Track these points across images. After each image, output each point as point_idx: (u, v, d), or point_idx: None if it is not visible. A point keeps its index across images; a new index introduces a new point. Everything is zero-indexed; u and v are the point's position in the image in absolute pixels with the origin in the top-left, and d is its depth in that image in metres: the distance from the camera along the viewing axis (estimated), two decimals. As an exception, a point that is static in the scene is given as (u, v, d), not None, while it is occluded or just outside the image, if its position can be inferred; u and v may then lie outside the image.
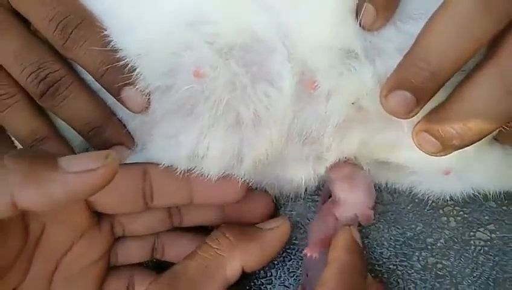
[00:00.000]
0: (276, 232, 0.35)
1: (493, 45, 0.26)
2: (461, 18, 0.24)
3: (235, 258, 0.32)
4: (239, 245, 0.33)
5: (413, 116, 0.28)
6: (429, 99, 0.27)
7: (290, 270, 0.39)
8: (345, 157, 0.35)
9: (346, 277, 0.31)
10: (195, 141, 0.33)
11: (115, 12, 0.32)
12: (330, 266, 0.31)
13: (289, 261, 0.39)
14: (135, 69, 0.32)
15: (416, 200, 0.39)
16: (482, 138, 0.28)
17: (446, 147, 0.28)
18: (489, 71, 0.26)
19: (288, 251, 0.39)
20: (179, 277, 0.31)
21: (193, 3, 0.31)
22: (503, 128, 0.29)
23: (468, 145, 0.28)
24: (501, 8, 0.24)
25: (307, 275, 0.36)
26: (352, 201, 0.36)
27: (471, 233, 0.38)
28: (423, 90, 0.27)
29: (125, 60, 0.32)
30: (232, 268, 0.32)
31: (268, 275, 0.39)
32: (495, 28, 0.24)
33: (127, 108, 0.33)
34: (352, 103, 0.31)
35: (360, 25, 0.30)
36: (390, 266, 0.38)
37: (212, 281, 0.31)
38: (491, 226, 0.38)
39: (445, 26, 0.25)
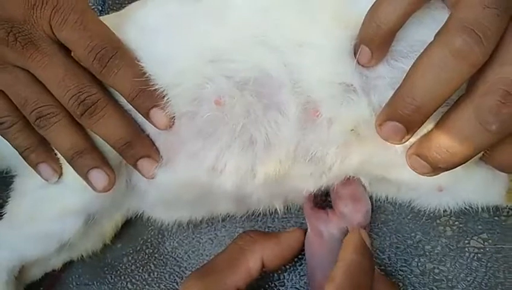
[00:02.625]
0: (291, 234, 0.41)
1: (472, 82, 0.30)
2: (439, 63, 0.28)
3: (256, 251, 0.38)
4: (259, 241, 0.39)
5: (404, 142, 0.32)
6: (417, 128, 0.31)
7: (301, 274, 0.43)
8: (347, 175, 0.39)
9: (353, 276, 0.34)
10: (214, 159, 0.38)
11: (151, 49, 0.37)
12: (339, 264, 0.35)
13: (300, 265, 0.43)
14: (164, 96, 0.37)
15: (416, 210, 0.42)
16: (466, 162, 0.31)
17: (434, 169, 0.32)
18: (467, 108, 0.29)
19: (299, 256, 0.43)
20: (211, 267, 0.38)
21: (216, 45, 0.36)
22: (485, 152, 0.33)
23: (454, 168, 0.32)
24: (473, 55, 0.28)
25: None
26: (350, 218, 0.40)
27: (466, 241, 0.42)
28: (411, 121, 0.30)
29: (155, 87, 0.37)
30: (254, 261, 0.38)
31: (281, 278, 0.44)
32: (469, 72, 0.28)
33: (154, 126, 0.38)
34: (351, 130, 0.35)
35: (358, 62, 0.34)
36: (392, 271, 0.42)
37: (236, 269, 0.37)
38: (484, 235, 0.41)
39: (427, 69, 0.29)
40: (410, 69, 0.30)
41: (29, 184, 0.42)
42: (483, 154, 0.34)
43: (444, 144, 0.30)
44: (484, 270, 0.41)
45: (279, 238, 0.40)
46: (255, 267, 0.38)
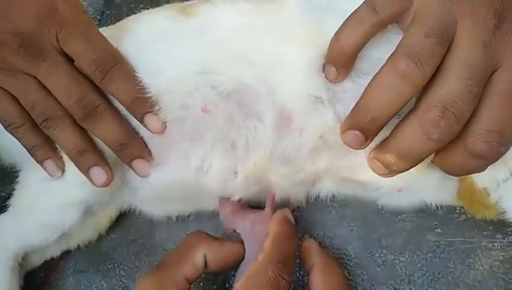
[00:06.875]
0: (234, 243, 0.43)
1: (418, 99, 0.35)
2: (389, 83, 0.34)
3: (200, 248, 0.42)
4: (205, 240, 0.42)
5: (364, 148, 0.37)
6: (374, 136, 0.36)
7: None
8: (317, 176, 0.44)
9: (280, 243, 0.39)
10: (201, 159, 0.42)
11: (144, 59, 0.42)
12: (268, 237, 0.40)
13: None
14: (157, 103, 0.41)
15: (380, 207, 0.47)
16: (415, 165, 0.36)
17: (390, 170, 0.37)
18: (413, 120, 0.34)
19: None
20: (162, 263, 0.41)
21: (202, 58, 0.41)
22: (434, 158, 0.38)
23: (405, 171, 0.37)
24: (415, 76, 0.33)
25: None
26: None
27: (423, 235, 0.46)
28: (368, 131, 0.35)
29: (149, 95, 0.41)
30: (199, 256, 0.41)
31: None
32: (412, 90, 0.33)
33: (148, 130, 0.42)
34: (320, 136, 0.40)
35: (326, 78, 0.39)
36: (357, 261, 0.47)
37: (184, 262, 0.41)
38: (439, 230, 0.46)
39: (379, 87, 0.34)
40: (366, 87, 0.35)
41: (33, 178, 0.46)
42: (432, 160, 0.39)
43: (396, 149, 0.35)
44: (437, 261, 0.45)
45: (223, 243, 0.43)
46: (199, 263, 0.41)
